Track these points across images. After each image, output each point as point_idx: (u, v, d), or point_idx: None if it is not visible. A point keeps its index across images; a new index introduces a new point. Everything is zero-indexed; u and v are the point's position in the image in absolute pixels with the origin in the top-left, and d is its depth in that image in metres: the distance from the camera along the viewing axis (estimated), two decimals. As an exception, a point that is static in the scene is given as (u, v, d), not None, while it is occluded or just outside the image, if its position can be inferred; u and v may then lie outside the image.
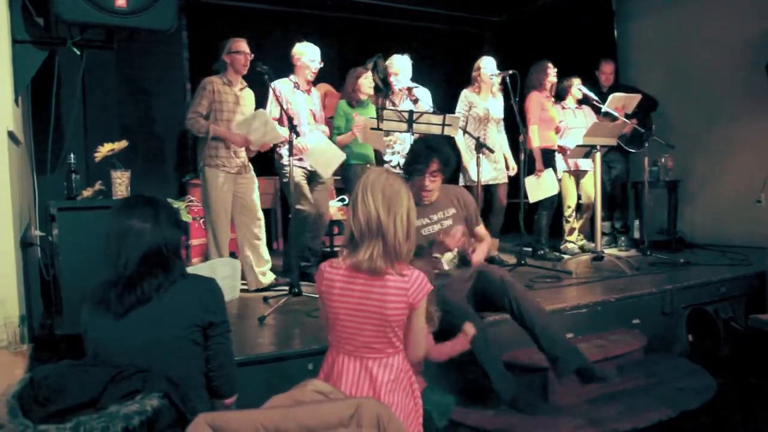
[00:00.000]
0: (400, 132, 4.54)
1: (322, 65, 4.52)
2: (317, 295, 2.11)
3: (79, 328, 1.91)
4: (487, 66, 5.10)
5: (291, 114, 4.13)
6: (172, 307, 1.85)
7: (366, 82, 4.77)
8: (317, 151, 4.29)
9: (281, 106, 4.22)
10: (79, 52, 3.23)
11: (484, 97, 5.14)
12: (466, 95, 5.16)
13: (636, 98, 5.32)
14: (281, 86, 4.42)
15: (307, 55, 4.48)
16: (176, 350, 1.83)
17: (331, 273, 2.02)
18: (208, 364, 1.92)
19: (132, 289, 1.82)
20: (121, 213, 1.88)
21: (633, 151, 5.80)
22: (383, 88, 5.28)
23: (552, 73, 5.36)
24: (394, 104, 4.91)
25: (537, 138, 5.23)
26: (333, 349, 2.08)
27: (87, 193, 3.22)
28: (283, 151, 4.42)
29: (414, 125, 4.28)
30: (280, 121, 4.32)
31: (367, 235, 1.95)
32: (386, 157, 5.04)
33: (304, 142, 4.27)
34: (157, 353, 1.80)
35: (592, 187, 5.52)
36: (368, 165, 4.84)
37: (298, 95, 4.48)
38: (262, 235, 4.31)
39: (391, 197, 1.97)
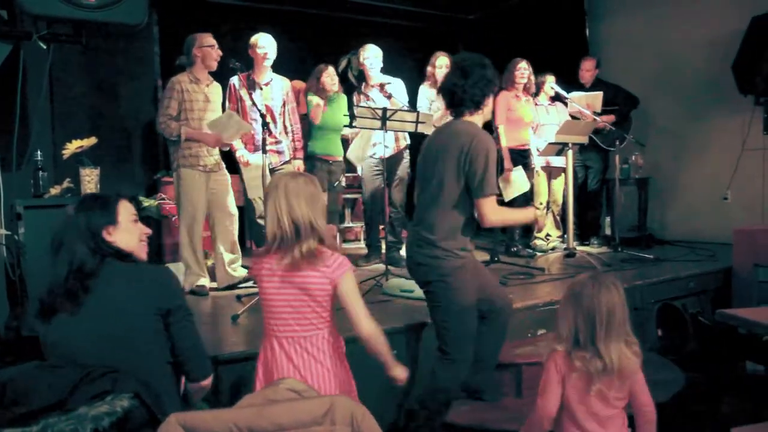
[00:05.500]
0: (374, 129, 4.54)
1: (274, 54, 4.48)
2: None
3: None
4: (444, 65, 5.01)
5: (245, 111, 4.37)
6: (127, 299, 1.82)
7: (328, 80, 4.87)
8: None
9: (241, 102, 4.35)
10: (45, 47, 3.15)
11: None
12: (426, 92, 5.14)
13: (599, 96, 5.40)
14: (236, 82, 4.43)
15: (260, 42, 4.44)
16: (137, 342, 1.80)
17: (260, 263, 2.14)
18: (176, 351, 1.90)
19: (82, 282, 1.79)
20: (78, 211, 1.93)
21: (610, 149, 5.81)
22: (357, 85, 5.27)
23: (520, 73, 5.33)
24: (368, 97, 4.92)
25: (504, 138, 5.25)
26: (270, 337, 2.20)
27: (55, 190, 3.17)
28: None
29: (387, 122, 4.28)
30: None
31: (303, 235, 2.05)
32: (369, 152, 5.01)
33: (246, 155, 4.40)
34: (117, 347, 1.76)
35: (559, 185, 5.59)
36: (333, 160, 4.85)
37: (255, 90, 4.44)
38: (236, 231, 4.30)
39: (311, 196, 2.09)
